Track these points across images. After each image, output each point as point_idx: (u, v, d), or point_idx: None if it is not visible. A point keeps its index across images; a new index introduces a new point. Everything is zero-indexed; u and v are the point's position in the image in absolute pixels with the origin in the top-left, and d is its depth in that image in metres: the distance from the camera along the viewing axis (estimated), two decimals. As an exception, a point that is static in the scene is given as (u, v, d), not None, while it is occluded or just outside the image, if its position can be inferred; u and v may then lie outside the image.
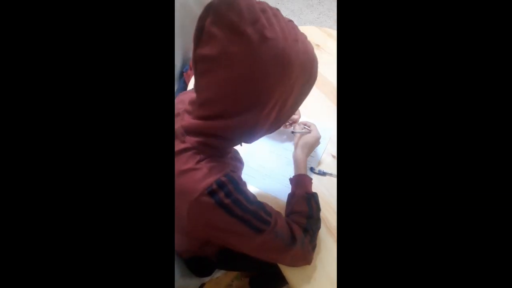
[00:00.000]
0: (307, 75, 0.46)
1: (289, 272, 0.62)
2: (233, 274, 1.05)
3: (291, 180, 0.69)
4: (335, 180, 0.75)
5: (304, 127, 0.77)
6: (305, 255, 0.58)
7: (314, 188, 0.73)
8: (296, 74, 0.43)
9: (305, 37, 0.47)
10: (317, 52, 1.09)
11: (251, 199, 0.49)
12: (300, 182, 0.67)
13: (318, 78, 1.00)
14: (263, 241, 0.50)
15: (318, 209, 0.64)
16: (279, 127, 0.52)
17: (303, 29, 1.21)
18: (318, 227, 0.63)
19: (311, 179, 0.69)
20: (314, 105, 0.93)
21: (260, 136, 0.52)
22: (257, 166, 0.79)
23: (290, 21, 0.46)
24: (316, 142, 0.74)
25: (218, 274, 0.87)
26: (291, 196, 0.66)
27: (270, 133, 0.52)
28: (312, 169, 0.77)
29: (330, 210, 0.70)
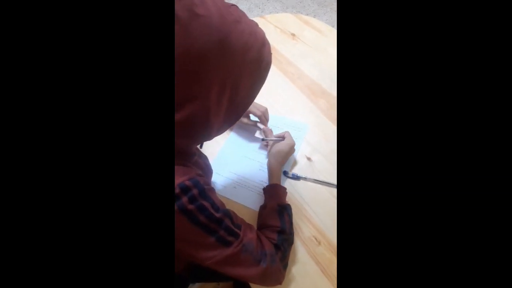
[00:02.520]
0: (256, 57, 0.42)
1: (258, 290, 0.57)
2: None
3: (264, 190, 0.65)
4: (309, 184, 0.70)
5: (277, 138, 0.73)
6: (275, 274, 0.53)
7: (287, 194, 0.68)
8: (241, 55, 0.40)
9: (255, 24, 0.43)
10: (292, 42, 1.04)
11: (219, 207, 0.45)
12: (273, 193, 0.63)
13: (292, 71, 0.94)
14: (229, 255, 0.46)
15: (290, 222, 0.59)
16: (239, 117, 0.47)
17: (278, 16, 1.14)
18: (291, 243, 0.59)
19: (285, 189, 0.64)
20: (288, 101, 0.86)
21: (220, 130, 0.48)
22: (228, 174, 0.73)
23: (234, 5, 0.42)
24: (290, 150, 0.70)
25: (196, 285, 0.81)
26: (263, 208, 0.62)
27: (231, 125, 0.48)
28: (285, 173, 0.71)
29: (304, 219, 0.65)
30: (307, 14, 2.25)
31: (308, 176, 0.71)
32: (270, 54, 0.44)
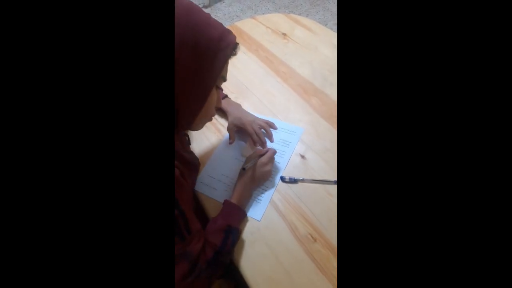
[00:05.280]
0: (189, 44, 0.43)
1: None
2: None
3: (224, 203, 0.63)
4: (305, 185, 0.70)
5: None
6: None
7: (282, 194, 0.68)
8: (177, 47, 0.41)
9: (195, 8, 0.45)
10: (283, 42, 1.05)
11: (179, 206, 0.46)
12: (229, 212, 0.62)
13: (284, 71, 0.95)
14: None
15: (232, 245, 0.59)
16: (204, 97, 0.49)
17: (268, 17, 1.15)
18: (224, 264, 0.58)
19: (243, 212, 0.63)
20: (281, 100, 0.86)
21: (189, 119, 0.50)
22: (220, 176, 0.72)
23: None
24: (264, 176, 0.68)
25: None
26: (213, 222, 0.60)
27: (200, 106, 0.49)
28: (282, 179, 0.71)
29: (300, 217, 0.65)
30: (299, 14, 2.26)
31: (303, 175, 0.71)
32: (227, 46, 0.46)
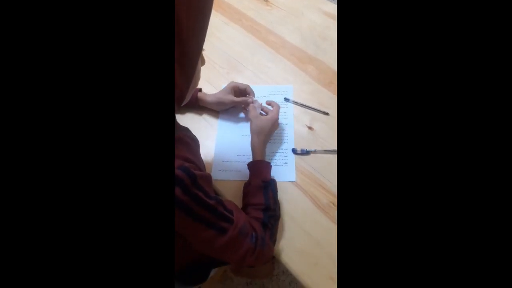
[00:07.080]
0: None
1: (290, 263, 0.57)
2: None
3: (248, 166, 0.63)
4: (318, 156, 0.70)
5: (262, 112, 0.71)
6: (267, 254, 0.54)
7: (297, 166, 0.68)
8: None
9: None
10: (266, 8, 0.99)
11: (211, 194, 0.44)
12: (256, 169, 0.62)
13: (274, 40, 0.91)
14: (227, 241, 0.46)
15: (274, 197, 0.60)
16: (194, 61, 0.41)
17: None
18: (277, 218, 0.60)
19: (269, 164, 0.63)
20: (276, 71, 0.83)
21: (185, 85, 0.41)
22: (236, 157, 0.71)
23: None
24: (273, 126, 0.67)
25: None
26: (247, 185, 0.61)
27: (192, 75, 0.42)
28: (294, 151, 0.70)
29: (319, 187, 0.65)
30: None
31: (314, 146, 0.71)
32: None
